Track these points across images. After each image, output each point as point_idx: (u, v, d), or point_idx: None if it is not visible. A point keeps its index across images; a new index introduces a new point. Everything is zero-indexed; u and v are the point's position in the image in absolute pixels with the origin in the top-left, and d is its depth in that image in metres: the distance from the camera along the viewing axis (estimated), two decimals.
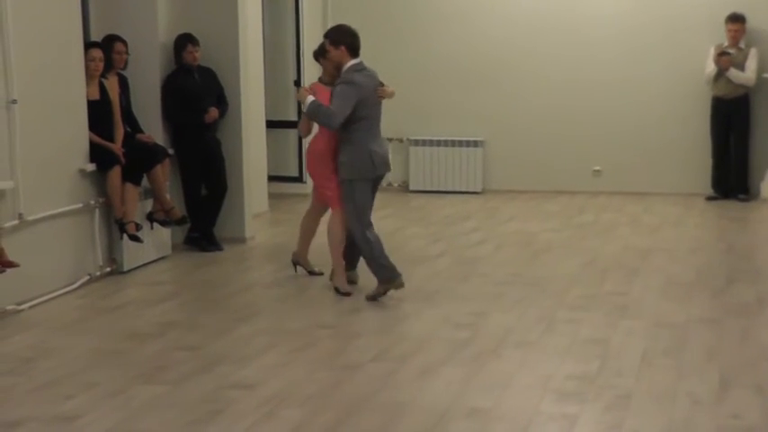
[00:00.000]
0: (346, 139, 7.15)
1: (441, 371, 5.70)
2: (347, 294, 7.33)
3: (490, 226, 10.22)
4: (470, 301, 7.15)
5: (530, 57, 11.95)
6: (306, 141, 8.23)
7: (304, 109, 7.18)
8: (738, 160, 11.42)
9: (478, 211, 11.15)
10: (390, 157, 12.23)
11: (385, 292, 7.21)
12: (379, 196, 11.88)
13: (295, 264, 8.07)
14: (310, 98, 7.06)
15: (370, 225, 7.23)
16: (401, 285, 7.19)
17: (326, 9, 12.50)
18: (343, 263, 7.49)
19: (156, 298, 7.47)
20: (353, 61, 7.08)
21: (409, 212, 11.00)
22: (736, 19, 11.16)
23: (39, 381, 5.58)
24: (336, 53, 7.08)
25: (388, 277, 7.16)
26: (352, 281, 7.61)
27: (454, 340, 6.25)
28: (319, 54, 7.46)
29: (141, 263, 8.37)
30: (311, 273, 8.01)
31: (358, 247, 7.32)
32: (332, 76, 7.30)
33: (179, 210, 8.67)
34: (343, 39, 7.07)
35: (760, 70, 11.22)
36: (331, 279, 7.59)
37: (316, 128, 7.51)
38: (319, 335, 6.44)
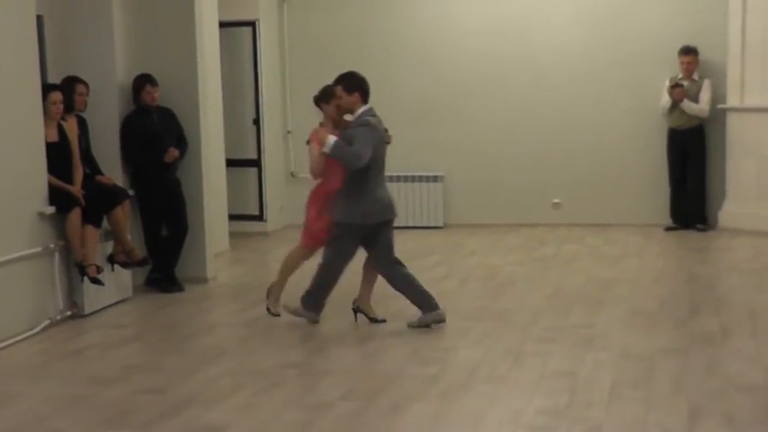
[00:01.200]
0: (354, 182, 7.23)
1: (411, 407, 5.66)
2: (276, 315, 7.68)
3: (453, 260, 10.22)
4: (438, 336, 7.12)
5: (487, 92, 12.02)
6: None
7: (326, 150, 7.11)
8: (695, 190, 11.54)
9: (441, 245, 11.16)
10: None
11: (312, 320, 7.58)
12: None
13: (270, 301, 7.92)
14: (333, 138, 7.10)
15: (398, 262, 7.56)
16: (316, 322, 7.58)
17: (284, 48, 12.53)
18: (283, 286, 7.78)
19: (118, 341, 7.37)
20: (365, 107, 7.27)
21: None
22: (689, 51, 11.31)
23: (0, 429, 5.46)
24: (350, 99, 7.23)
25: (320, 309, 7.58)
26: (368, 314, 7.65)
27: (423, 376, 6.21)
28: (322, 99, 7.45)
29: (102, 305, 8.26)
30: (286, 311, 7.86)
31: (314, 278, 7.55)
32: (334, 122, 7.38)
33: (140, 251, 8.58)
34: (357, 85, 7.23)
35: (713, 101, 11.37)
36: (268, 297, 7.79)
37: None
38: (286, 374, 6.38)
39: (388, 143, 7.46)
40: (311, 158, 7.34)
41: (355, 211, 7.24)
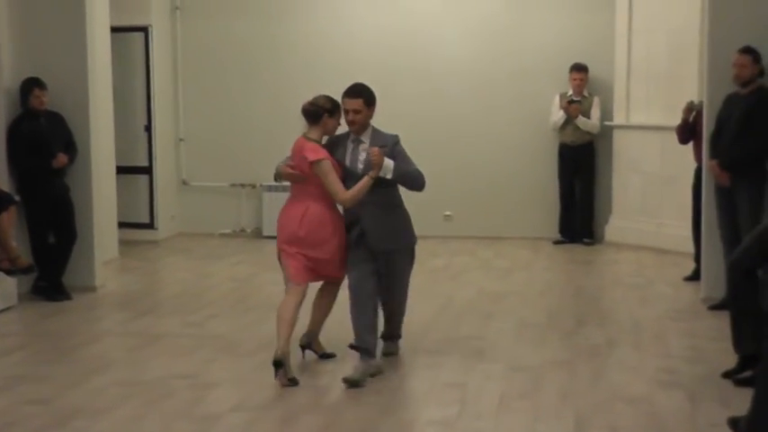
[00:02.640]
0: (395, 203, 6.70)
1: (302, 419, 5.66)
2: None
3: None
4: (328, 347, 7.11)
5: (380, 103, 12.05)
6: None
7: (387, 174, 6.39)
8: (583, 205, 11.78)
9: None
10: (243, 203, 12.34)
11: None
12: (230, 243, 11.91)
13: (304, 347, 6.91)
14: (391, 161, 6.42)
15: None
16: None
17: (176, 54, 12.39)
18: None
19: (2, 350, 7.18)
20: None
21: (263, 258, 10.90)
22: (581, 68, 11.56)
23: None
24: (369, 113, 6.56)
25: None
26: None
27: (314, 387, 6.22)
28: (331, 112, 6.52)
29: None
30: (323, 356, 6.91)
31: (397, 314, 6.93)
32: (330, 135, 6.64)
33: (25, 258, 8.40)
34: (374, 99, 6.60)
35: (602, 118, 11.64)
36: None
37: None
38: (176, 385, 6.30)
39: None
40: (333, 182, 6.38)
41: (412, 231, 6.81)
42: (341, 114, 6.55)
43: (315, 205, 6.48)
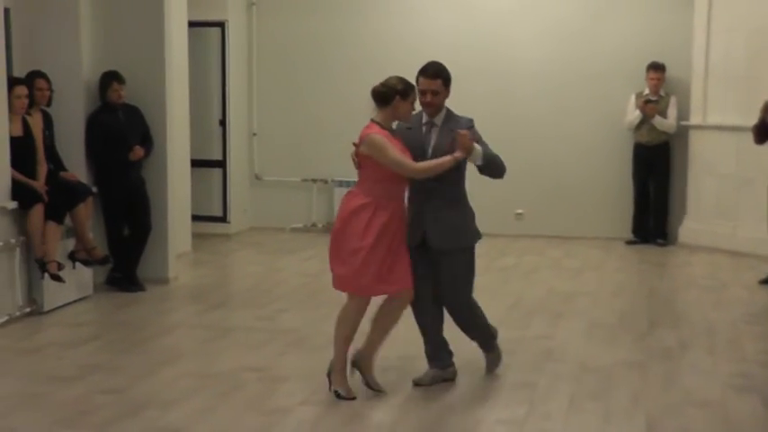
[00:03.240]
0: (458, 197, 6.12)
1: (369, 415, 5.67)
2: (352, 398, 5.90)
3: None
4: (399, 344, 7.08)
5: (453, 103, 12.01)
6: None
7: (477, 161, 5.90)
8: (658, 205, 11.64)
9: None
10: (315, 198, 12.41)
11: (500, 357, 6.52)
12: (301, 237, 11.98)
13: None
14: (479, 147, 5.89)
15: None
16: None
17: (252, 49, 12.49)
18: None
19: (77, 339, 7.31)
20: None
21: None
22: (658, 68, 11.41)
23: None
24: (447, 94, 6.02)
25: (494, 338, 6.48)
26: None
27: (383, 383, 6.19)
28: (404, 95, 5.88)
29: (62, 303, 8.19)
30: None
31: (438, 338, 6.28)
32: (404, 120, 5.99)
33: (101, 249, 8.53)
34: (451, 79, 6.04)
35: (678, 118, 11.48)
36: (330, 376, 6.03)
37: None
38: (246, 378, 6.36)
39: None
40: (393, 156, 5.74)
41: (474, 231, 6.27)
42: (415, 97, 5.94)
43: (355, 191, 5.92)
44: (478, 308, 6.34)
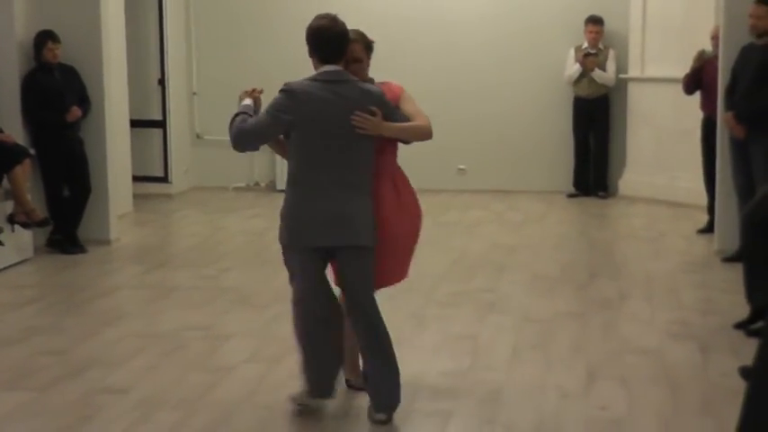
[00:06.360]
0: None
1: None
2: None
3: None
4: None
5: (393, 59, 12.01)
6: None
7: None
8: (598, 158, 11.75)
9: None
10: (257, 157, 12.32)
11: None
12: (244, 196, 11.94)
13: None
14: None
15: None
16: None
17: (189, 7, 12.33)
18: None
19: (18, 302, 7.24)
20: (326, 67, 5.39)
21: (277, 212, 10.86)
22: (596, 21, 11.47)
23: None
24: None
25: None
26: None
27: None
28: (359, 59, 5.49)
29: (2, 266, 8.10)
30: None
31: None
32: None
33: (40, 211, 8.44)
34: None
35: (617, 71, 11.57)
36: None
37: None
38: (190, 336, 6.35)
39: None
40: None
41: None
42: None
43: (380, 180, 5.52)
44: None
